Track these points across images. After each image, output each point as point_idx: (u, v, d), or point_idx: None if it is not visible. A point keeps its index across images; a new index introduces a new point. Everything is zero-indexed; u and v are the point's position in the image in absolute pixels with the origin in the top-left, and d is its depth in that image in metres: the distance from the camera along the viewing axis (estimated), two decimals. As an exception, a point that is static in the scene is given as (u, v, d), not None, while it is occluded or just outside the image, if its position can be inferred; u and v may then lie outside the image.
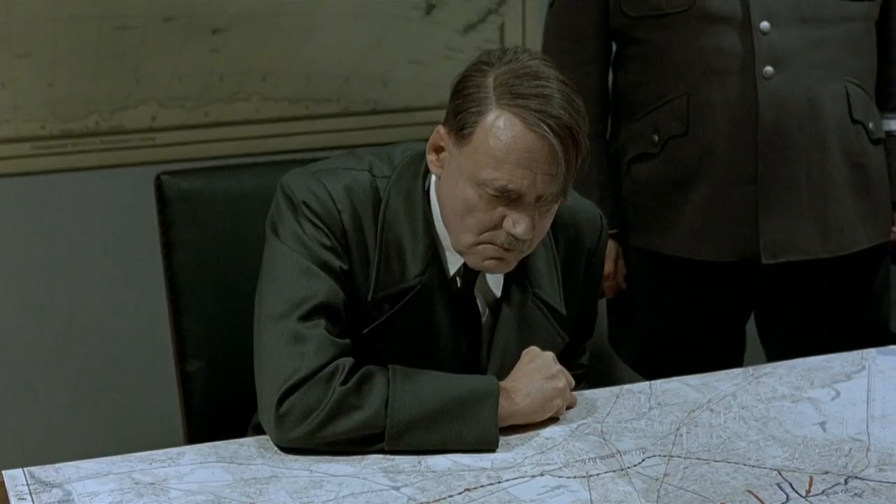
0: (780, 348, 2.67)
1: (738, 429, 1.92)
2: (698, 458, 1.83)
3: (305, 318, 1.88)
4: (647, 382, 2.09)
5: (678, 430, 1.92)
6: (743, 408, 1.99)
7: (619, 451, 1.85)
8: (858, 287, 2.69)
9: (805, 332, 2.66)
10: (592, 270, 2.16)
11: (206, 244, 2.23)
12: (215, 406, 2.25)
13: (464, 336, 2.03)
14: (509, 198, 1.84)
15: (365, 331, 1.95)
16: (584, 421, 1.95)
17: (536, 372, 1.94)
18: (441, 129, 1.90)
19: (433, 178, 1.96)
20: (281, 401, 1.83)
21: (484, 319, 2.04)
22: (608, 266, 2.68)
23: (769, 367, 2.15)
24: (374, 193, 1.95)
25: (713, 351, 2.64)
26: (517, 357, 2.00)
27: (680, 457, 1.84)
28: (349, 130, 3.07)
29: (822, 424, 1.94)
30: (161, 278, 2.25)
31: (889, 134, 2.65)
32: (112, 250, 2.98)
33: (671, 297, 2.69)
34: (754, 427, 1.93)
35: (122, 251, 2.97)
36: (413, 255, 1.95)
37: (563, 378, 1.95)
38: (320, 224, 1.92)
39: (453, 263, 1.98)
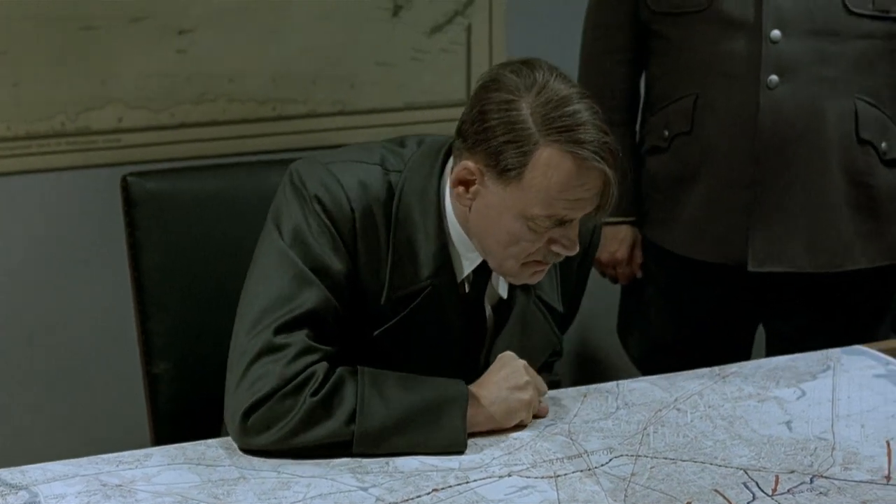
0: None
1: (704, 428, 1.93)
2: (665, 458, 1.84)
3: (288, 325, 1.85)
4: (615, 382, 2.09)
5: (645, 429, 1.93)
6: (709, 407, 2.00)
7: (586, 451, 1.86)
8: (855, 306, 2.67)
9: (801, 345, 2.66)
10: (585, 266, 2.16)
11: (173, 245, 2.23)
12: (182, 407, 2.25)
13: (469, 338, 2.02)
14: (555, 225, 1.85)
15: (376, 333, 1.93)
16: (552, 421, 1.96)
17: (504, 380, 1.92)
18: (470, 165, 1.85)
19: (449, 183, 1.93)
20: (248, 413, 1.82)
21: (489, 322, 2.03)
22: (622, 251, 2.72)
23: (735, 367, 2.16)
24: (387, 190, 1.92)
25: (715, 353, 2.64)
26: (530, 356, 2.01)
27: (647, 456, 1.84)
28: (316, 132, 3.06)
29: (788, 423, 1.95)
30: (127, 280, 2.24)
31: None
32: (78, 252, 2.96)
33: (675, 292, 2.72)
34: (721, 426, 1.94)
35: (88, 253, 2.96)
36: (425, 256, 1.93)
37: (531, 389, 1.93)
38: (329, 222, 1.88)
39: (464, 268, 1.96)
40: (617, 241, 2.74)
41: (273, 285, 1.88)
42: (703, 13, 2.53)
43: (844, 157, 2.53)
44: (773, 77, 2.48)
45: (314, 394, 1.82)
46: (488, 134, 1.82)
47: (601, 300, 3.14)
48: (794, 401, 2.03)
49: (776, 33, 2.47)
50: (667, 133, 2.62)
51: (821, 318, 2.67)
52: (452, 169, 1.90)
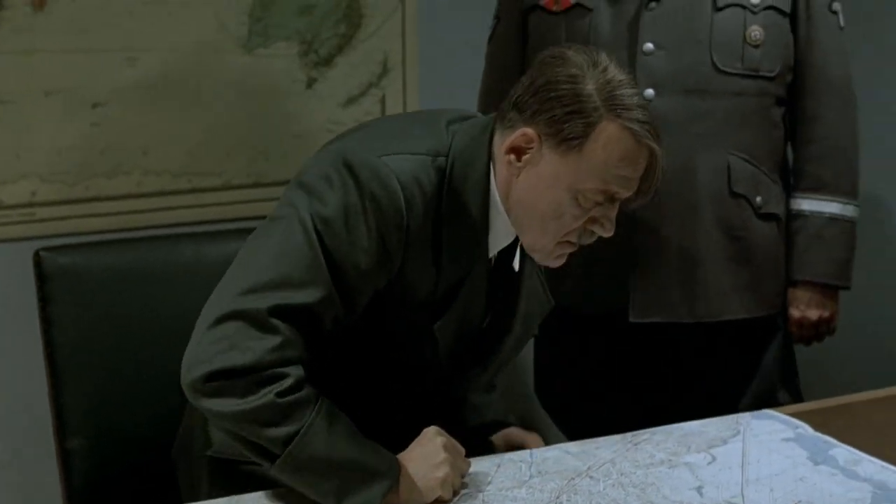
0: (661, 412, 2.73)
1: (616, 496, 1.94)
2: (578, 526, 1.85)
3: (284, 310, 1.81)
4: (528, 451, 2.11)
5: (558, 497, 1.93)
6: (622, 474, 2.02)
7: (500, 521, 1.87)
8: (738, 357, 2.74)
9: (678, 399, 2.72)
10: None
11: (87, 320, 2.22)
12: (97, 483, 2.22)
13: (494, 308, 2.06)
14: (603, 202, 1.90)
15: (436, 325, 1.95)
16: (466, 491, 1.95)
17: (423, 459, 1.90)
18: (529, 132, 1.89)
19: (497, 168, 1.94)
20: (210, 376, 1.77)
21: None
22: None
23: (647, 434, 2.18)
24: (437, 180, 1.91)
25: (621, 412, 2.67)
26: (529, 326, 2.11)
27: (560, 524, 1.86)
28: (232, 204, 3.07)
29: (699, 489, 1.97)
30: (41, 354, 2.23)
31: (798, 213, 2.69)
32: (-9, 326, 2.94)
33: (568, 349, 2.76)
34: (633, 493, 1.95)
35: (0, 327, 2.93)
36: (471, 244, 1.95)
37: (446, 467, 1.90)
38: (377, 222, 1.85)
39: (494, 246, 1.99)
40: None
41: (286, 264, 1.83)
42: None
43: (718, 211, 2.61)
44: None
45: (280, 395, 1.78)
46: (553, 104, 1.88)
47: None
48: (705, 466, 2.05)
49: (649, 92, 2.54)
50: None
51: (698, 373, 2.73)
52: (502, 142, 1.93)
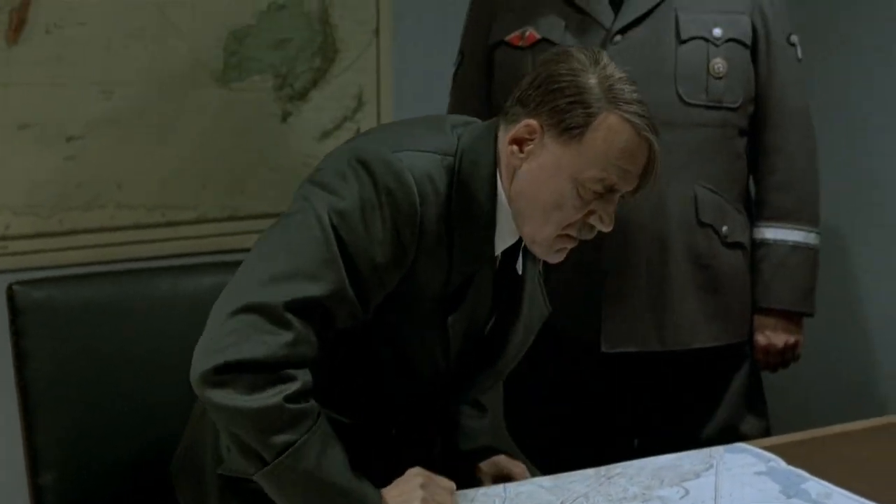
0: (630, 440, 2.74)
1: (590, 530, 1.95)
2: (552, 560, 1.85)
3: (299, 305, 1.81)
4: (502, 485, 2.11)
5: (532, 532, 1.94)
6: (595, 508, 2.02)
7: (474, 555, 1.86)
8: (706, 385, 2.76)
9: (648, 427, 2.73)
10: None
11: (61, 354, 2.21)
12: (69, 519, 2.22)
13: (498, 309, 2.08)
14: (603, 194, 1.92)
15: (449, 319, 1.97)
16: (440, 525, 1.96)
17: (399, 494, 1.91)
18: (532, 123, 1.93)
19: (501, 164, 1.97)
20: (221, 368, 1.77)
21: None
22: None
23: (620, 468, 2.18)
24: (447, 182, 1.94)
25: (592, 441, 2.69)
26: (531, 331, 2.14)
27: (534, 559, 1.85)
28: (206, 237, 3.07)
29: (672, 523, 1.98)
30: (13, 389, 2.22)
31: (762, 242, 2.74)
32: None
33: (546, 373, 2.76)
34: (606, 527, 1.96)
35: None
36: (478, 241, 1.97)
37: (418, 501, 1.89)
38: (392, 216, 1.87)
39: (499, 245, 2.01)
40: None
41: (301, 258, 1.84)
42: None
43: (687, 241, 2.64)
44: None
45: (288, 400, 1.78)
46: (556, 94, 1.92)
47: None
48: (678, 500, 2.05)
49: None
50: None
51: (669, 402, 2.75)
52: (505, 137, 1.96)
